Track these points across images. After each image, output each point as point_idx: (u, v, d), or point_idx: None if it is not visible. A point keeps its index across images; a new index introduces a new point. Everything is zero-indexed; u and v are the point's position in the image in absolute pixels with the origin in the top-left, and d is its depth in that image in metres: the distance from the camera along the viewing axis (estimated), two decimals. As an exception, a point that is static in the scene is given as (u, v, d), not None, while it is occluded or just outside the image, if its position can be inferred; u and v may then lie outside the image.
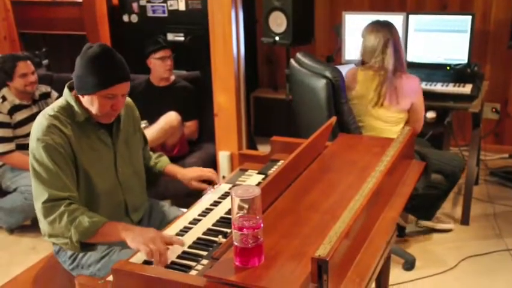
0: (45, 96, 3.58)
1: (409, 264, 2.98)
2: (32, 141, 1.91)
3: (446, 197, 3.18)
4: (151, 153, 2.37)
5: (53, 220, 1.85)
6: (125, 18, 4.66)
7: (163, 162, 2.32)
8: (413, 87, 2.87)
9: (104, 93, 1.90)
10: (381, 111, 2.89)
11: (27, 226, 3.46)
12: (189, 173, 2.23)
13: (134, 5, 4.60)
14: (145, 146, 2.31)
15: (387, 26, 2.86)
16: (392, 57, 2.82)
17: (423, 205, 3.13)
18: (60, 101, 1.99)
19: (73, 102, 1.96)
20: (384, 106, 2.87)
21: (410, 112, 2.92)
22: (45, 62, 4.85)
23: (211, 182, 2.19)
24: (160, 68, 3.64)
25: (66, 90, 2.00)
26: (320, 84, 2.82)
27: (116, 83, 1.90)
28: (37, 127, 1.92)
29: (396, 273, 2.89)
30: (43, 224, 1.90)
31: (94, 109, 1.94)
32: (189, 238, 1.77)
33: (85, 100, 1.94)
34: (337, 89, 2.81)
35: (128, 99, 2.17)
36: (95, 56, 1.88)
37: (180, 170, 2.28)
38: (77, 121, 1.95)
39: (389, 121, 2.91)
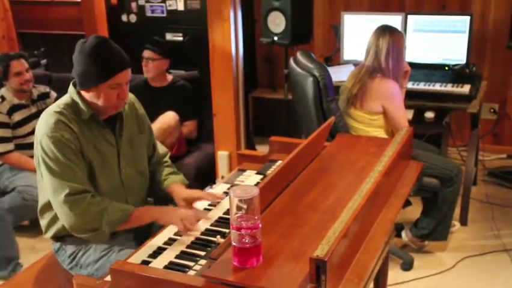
0: (44, 96, 3.57)
1: (407, 265, 2.98)
2: (41, 139, 1.89)
3: (452, 208, 3.01)
4: (166, 168, 2.24)
5: (81, 213, 1.85)
6: (124, 18, 4.66)
7: (169, 181, 2.18)
8: (385, 90, 2.82)
9: (109, 83, 1.89)
10: (353, 110, 2.93)
11: (26, 226, 3.45)
12: (182, 193, 2.09)
13: (133, 5, 4.60)
14: (153, 153, 2.23)
15: (389, 31, 2.84)
16: (383, 61, 2.80)
17: (434, 227, 3.00)
18: (65, 98, 1.98)
19: (78, 100, 1.95)
20: (356, 106, 2.90)
21: (387, 119, 2.88)
22: (43, 61, 4.84)
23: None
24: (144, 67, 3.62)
25: (71, 88, 1.99)
26: (308, 82, 2.84)
27: (119, 72, 1.90)
28: (44, 124, 1.90)
29: (394, 274, 2.89)
30: (69, 218, 1.86)
31: (100, 102, 1.92)
32: (187, 238, 1.77)
33: (90, 95, 1.93)
34: (323, 87, 2.82)
35: (132, 96, 2.16)
36: (93, 48, 1.89)
37: (177, 190, 2.12)
38: (82, 119, 1.95)
39: (360, 121, 2.92)
